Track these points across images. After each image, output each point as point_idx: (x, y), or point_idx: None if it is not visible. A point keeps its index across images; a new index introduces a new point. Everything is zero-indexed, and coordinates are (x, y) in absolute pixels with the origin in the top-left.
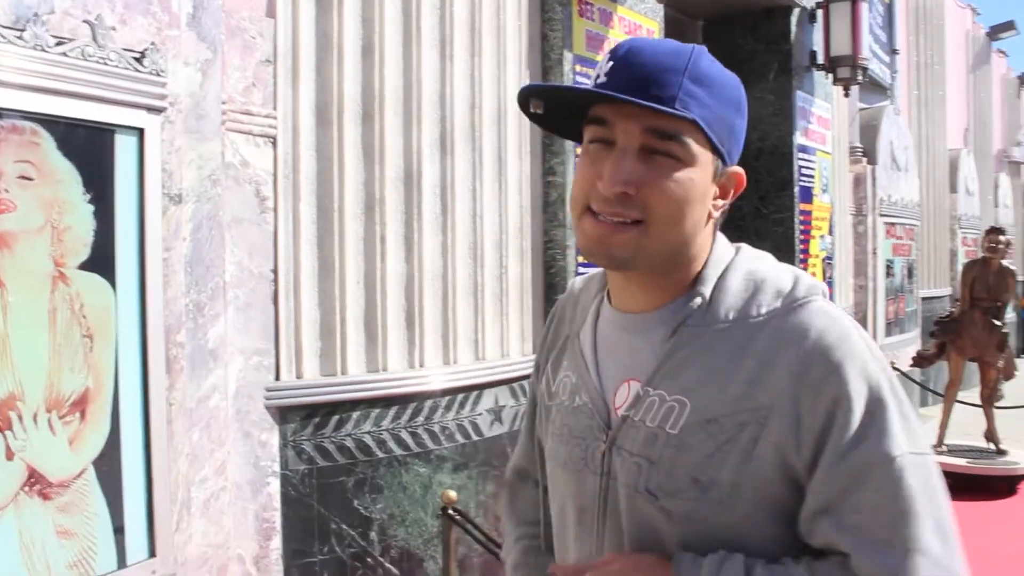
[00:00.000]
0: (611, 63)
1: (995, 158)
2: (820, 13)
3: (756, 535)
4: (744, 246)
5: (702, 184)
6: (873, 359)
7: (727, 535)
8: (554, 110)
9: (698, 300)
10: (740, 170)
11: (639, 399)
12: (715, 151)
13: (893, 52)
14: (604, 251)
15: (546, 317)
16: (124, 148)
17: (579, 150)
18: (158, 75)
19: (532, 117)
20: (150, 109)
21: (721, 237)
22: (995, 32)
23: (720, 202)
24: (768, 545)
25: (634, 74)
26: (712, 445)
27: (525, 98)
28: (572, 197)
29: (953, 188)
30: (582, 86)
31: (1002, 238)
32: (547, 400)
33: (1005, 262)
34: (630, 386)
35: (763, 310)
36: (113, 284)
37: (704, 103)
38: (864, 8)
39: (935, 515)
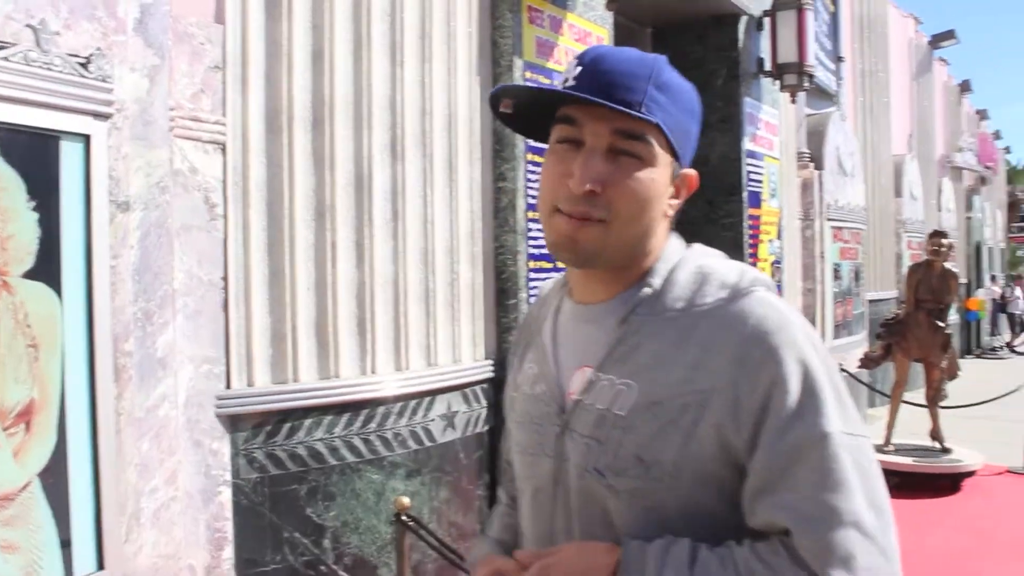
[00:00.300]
0: (579, 68)
1: (938, 163)
2: (767, 21)
3: (700, 513)
4: (697, 245)
5: (661, 184)
6: (811, 346)
7: (671, 513)
8: (523, 111)
9: (647, 290)
10: (693, 172)
11: (591, 384)
12: (673, 153)
13: (838, 60)
14: (571, 247)
15: (498, 322)
16: (70, 155)
17: (531, 155)
18: (104, 81)
19: (500, 116)
20: (96, 115)
21: (674, 235)
22: (936, 41)
23: (674, 202)
24: (713, 523)
25: (603, 79)
26: (656, 426)
27: (496, 97)
28: (540, 196)
29: (898, 193)
30: (556, 88)
31: (945, 241)
32: (512, 391)
33: (948, 265)
34: (584, 372)
35: (708, 300)
36: (59, 293)
37: (666, 108)
38: (810, 16)
39: (868, 492)
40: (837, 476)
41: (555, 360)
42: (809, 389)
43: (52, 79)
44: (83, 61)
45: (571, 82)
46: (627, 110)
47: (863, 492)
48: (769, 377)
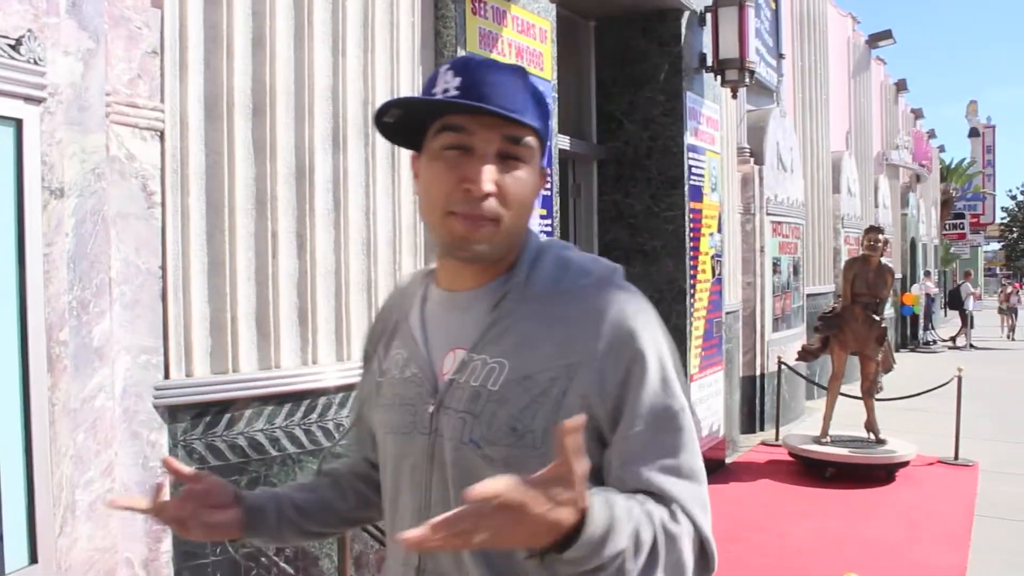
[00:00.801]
0: (458, 78)
1: (875, 160)
2: (709, 17)
3: None
4: (554, 238)
5: (536, 181)
6: (662, 330)
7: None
8: (404, 121)
9: (516, 279)
10: (545, 168)
11: (464, 364)
12: (542, 153)
13: (779, 56)
14: (468, 246)
15: None
16: (0, 139)
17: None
18: (36, 64)
19: (380, 127)
20: (28, 99)
21: (532, 230)
22: (874, 40)
23: (536, 198)
24: None
25: (488, 90)
26: (528, 398)
27: (386, 109)
28: (428, 200)
29: (836, 189)
30: (439, 98)
31: (881, 237)
32: (378, 377)
33: (884, 260)
34: (456, 354)
35: (571, 285)
36: None
37: (536, 114)
38: (750, 13)
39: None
40: (691, 443)
41: (425, 344)
42: (663, 369)
43: None
44: (13, 43)
45: (453, 92)
46: (520, 118)
47: (700, 454)
48: (630, 355)
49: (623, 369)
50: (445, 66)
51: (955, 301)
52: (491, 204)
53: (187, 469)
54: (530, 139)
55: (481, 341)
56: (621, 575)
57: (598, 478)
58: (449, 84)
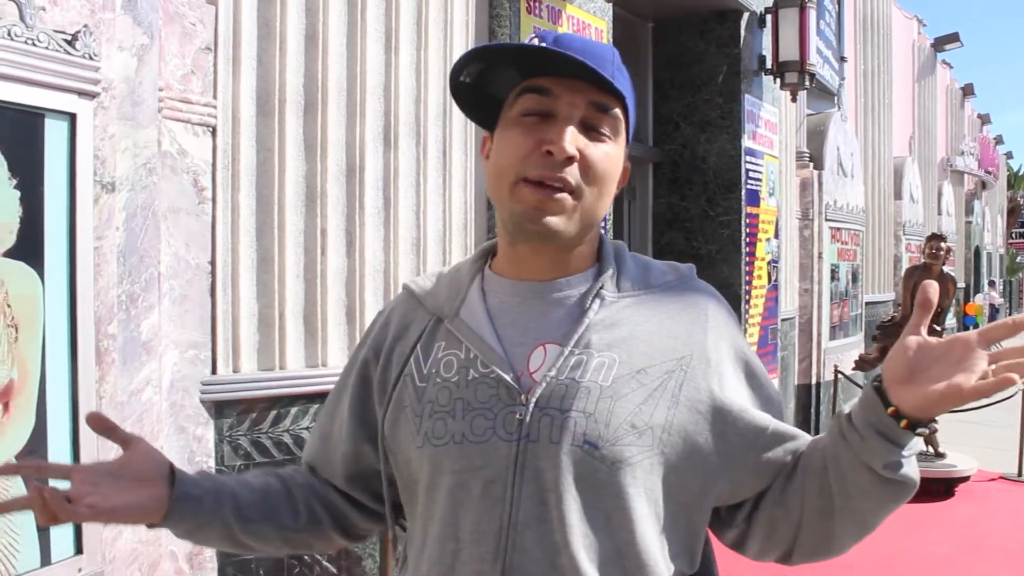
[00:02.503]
0: (543, 44)
1: (939, 166)
2: (769, 18)
3: (683, 481)
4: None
5: (620, 162)
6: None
7: (657, 477)
8: (481, 84)
9: (610, 271)
10: (628, 163)
11: (562, 359)
12: (626, 135)
13: (841, 59)
14: (540, 218)
15: None
16: (54, 133)
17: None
18: (91, 59)
19: (455, 87)
20: (82, 94)
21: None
22: (940, 44)
23: (617, 189)
24: (689, 486)
25: (576, 50)
26: (644, 392)
27: (464, 65)
28: (501, 167)
29: (898, 195)
30: (525, 43)
31: (943, 245)
32: (417, 382)
33: (946, 269)
34: (547, 349)
35: (660, 282)
36: (41, 273)
37: (629, 91)
38: (811, 15)
39: None
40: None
41: (495, 338)
42: (752, 353)
43: (37, 55)
44: (69, 38)
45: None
46: (608, 78)
47: None
48: (736, 349)
49: (733, 361)
50: (532, 34)
51: None
52: (573, 171)
53: (127, 434)
54: (618, 111)
55: (582, 335)
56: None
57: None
58: (536, 43)
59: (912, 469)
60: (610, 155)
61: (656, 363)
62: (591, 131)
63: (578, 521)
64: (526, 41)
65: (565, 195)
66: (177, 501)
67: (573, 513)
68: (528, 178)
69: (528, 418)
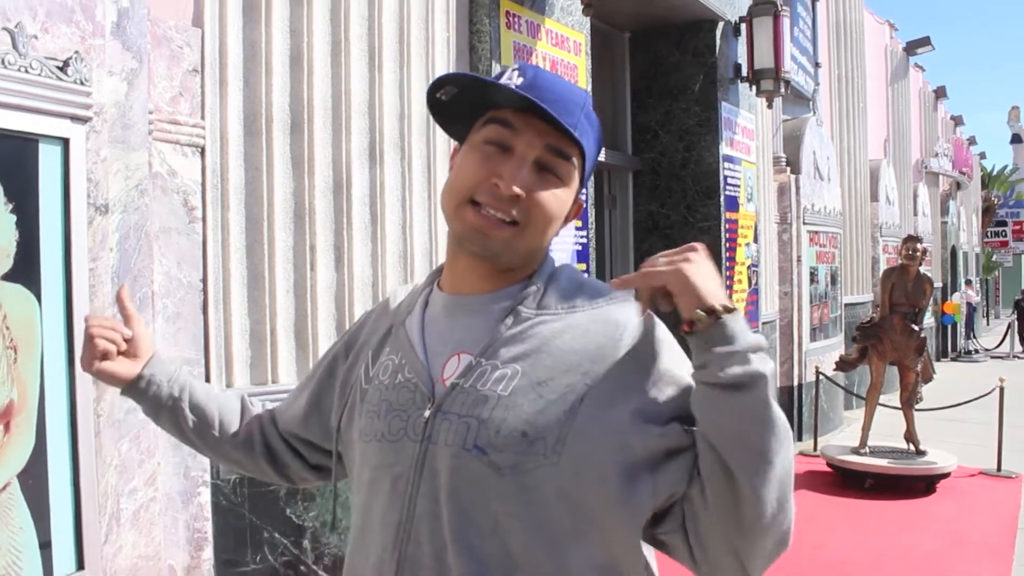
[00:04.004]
0: (521, 78)
1: (914, 168)
2: (744, 27)
3: (576, 494)
4: (566, 263)
5: (567, 204)
6: (670, 338)
7: (549, 492)
8: (456, 103)
9: (533, 288)
10: (581, 200)
11: (470, 368)
12: (581, 180)
13: (816, 65)
14: (481, 241)
15: None
16: (48, 158)
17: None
18: (82, 84)
19: (431, 103)
20: (74, 119)
21: (549, 252)
22: (912, 47)
23: (565, 224)
24: (585, 506)
25: (546, 96)
26: (542, 403)
27: (440, 84)
28: (452, 187)
29: (874, 197)
30: (495, 81)
31: (919, 246)
32: (363, 384)
33: (923, 269)
34: (460, 358)
35: (587, 303)
36: (38, 295)
37: (589, 138)
38: (785, 23)
39: None
40: None
41: (424, 349)
42: (681, 380)
43: (30, 82)
44: (61, 64)
45: (514, 86)
46: (570, 129)
47: None
48: (648, 355)
49: (644, 377)
50: (514, 65)
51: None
52: (519, 207)
53: (133, 312)
54: (575, 158)
55: (492, 346)
56: (768, 409)
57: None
58: (512, 80)
59: (750, 365)
60: (558, 197)
61: (558, 376)
62: (545, 171)
63: (465, 522)
64: (509, 69)
65: (507, 227)
66: (139, 379)
67: (461, 514)
68: (475, 200)
69: (431, 421)
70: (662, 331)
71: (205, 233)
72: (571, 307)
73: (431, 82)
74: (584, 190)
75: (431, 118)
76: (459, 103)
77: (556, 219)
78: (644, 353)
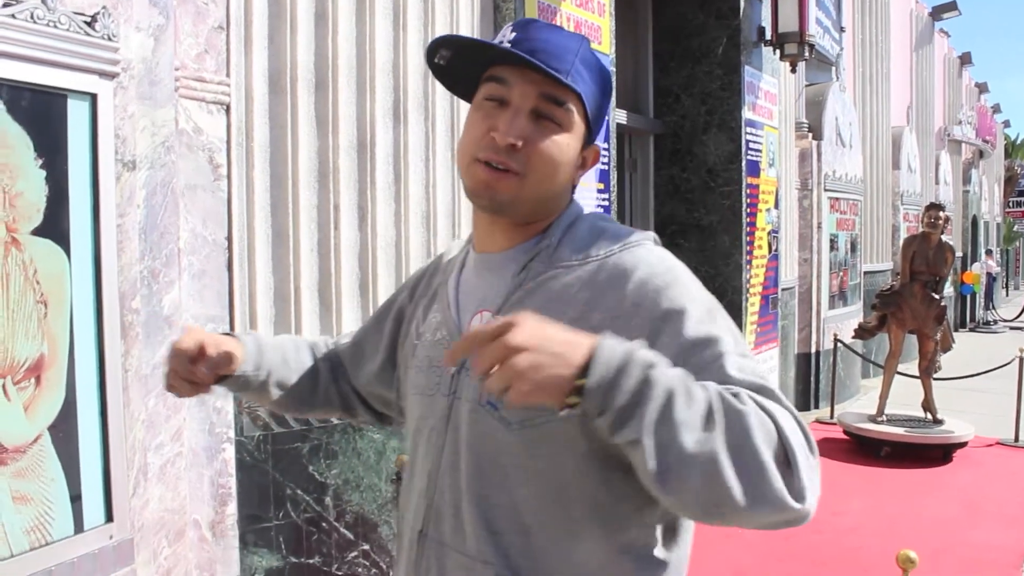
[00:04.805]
0: (514, 33)
1: (936, 136)
2: None
3: (584, 442)
4: (595, 211)
5: (573, 150)
6: (698, 287)
7: (559, 440)
8: (456, 67)
9: (547, 242)
10: (597, 147)
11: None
12: (587, 125)
13: (840, 30)
14: (489, 195)
15: None
16: (76, 113)
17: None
18: (110, 40)
19: (433, 68)
20: (102, 74)
21: (576, 200)
22: (938, 12)
23: (579, 172)
24: (595, 453)
25: (537, 46)
26: None
27: (434, 50)
28: (462, 147)
29: (896, 165)
30: (493, 43)
31: (941, 214)
32: (415, 339)
33: (944, 237)
34: (482, 316)
35: (601, 252)
36: (67, 250)
37: (587, 82)
38: None
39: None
40: (745, 360)
41: (456, 307)
42: (705, 322)
43: (58, 37)
44: (89, 20)
45: (506, 45)
46: (556, 75)
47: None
48: (657, 313)
49: (648, 327)
50: (510, 23)
51: None
52: (517, 156)
53: (211, 341)
54: (572, 104)
55: (507, 302)
56: (671, 425)
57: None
58: (505, 37)
59: (641, 421)
60: (557, 143)
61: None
62: (542, 119)
63: (478, 474)
64: (506, 26)
65: (509, 176)
66: (223, 380)
67: (476, 466)
68: (478, 158)
69: (456, 377)
70: (669, 277)
71: (230, 191)
72: (584, 258)
73: (428, 46)
74: (597, 138)
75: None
76: (463, 65)
77: (560, 165)
78: (644, 302)
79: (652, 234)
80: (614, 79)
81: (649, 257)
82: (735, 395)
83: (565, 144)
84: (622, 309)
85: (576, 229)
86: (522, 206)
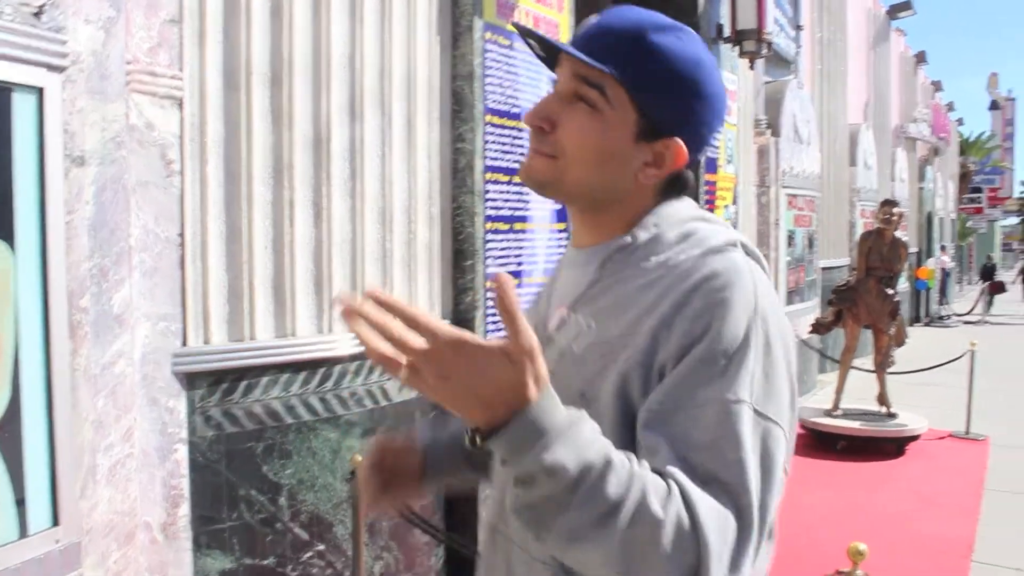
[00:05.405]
0: (530, 29)
1: (893, 133)
2: None
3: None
4: (707, 215)
5: (615, 137)
6: (757, 313)
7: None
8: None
9: (626, 240)
10: (677, 140)
11: (563, 321)
12: (641, 113)
13: (798, 27)
14: (525, 176)
15: (454, 282)
16: (22, 107)
17: (490, 117)
18: (58, 32)
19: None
20: (50, 67)
21: (683, 201)
22: (894, 11)
23: (652, 170)
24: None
25: (586, 31)
26: (601, 364)
27: (523, 34)
28: None
29: (852, 161)
30: (529, 28)
31: (896, 210)
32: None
33: (898, 233)
34: (561, 311)
35: (682, 256)
36: (12, 247)
37: (639, 66)
38: None
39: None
40: (740, 448)
41: (548, 302)
42: (733, 352)
43: (3, 28)
44: (35, 11)
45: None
46: (577, 55)
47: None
48: (701, 329)
49: (687, 343)
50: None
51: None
52: (547, 140)
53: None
54: (609, 88)
55: (580, 300)
56: (555, 507)
57: None
58: (578, 30)
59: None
60: (584, 124)
61: (621, 336)
62: (580, 100)
63: None
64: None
65: (541, 157)
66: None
67: None
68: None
69: None
70: (719, 297)
71: (183, 187)
72: (664, 261)
73: (520, 30)
74: (683, 136)
75: (414, 74)
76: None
77: (597, 151)
78: (683, 311)
79: (737, 238)
80: None
81: (717, 267)
82: (666, 492)
83: (600, 128)
84: (668, 317)
85: (666, 231)
86: (566, 189)
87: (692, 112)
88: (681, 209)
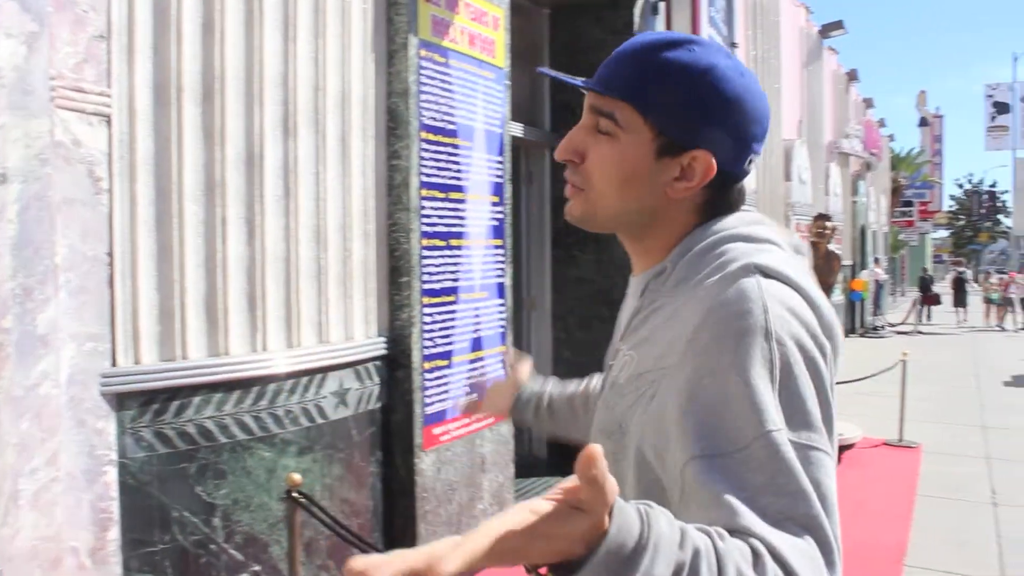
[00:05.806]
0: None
1: (826, 149)
2: (662, 6)
3: (647, 491)
4: (753, 232)
5: (636, 161)
6: (771, 338)
7: (629, 485)
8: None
9: (658, 268)
10: (703, 151)
11: (616, 352)
12: (657, 131)
13: (732, 46)
14: (568, 213)
15: (391, 299)
16: None
17: (424, 134)
18: None
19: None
20: None
21: (727, 219)
22: (826, 30)
23: (682, 184)
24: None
25: (603, 64)
26: (635, 396)
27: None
28: None
29: (787, 177)
30: (557, 74)
31: (829, 224)
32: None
33: (832, 247)
34: (615, 342)
35: (706, 283)
36: None
37: (645, 85)
38: (703, 2)
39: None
40: (789, 476)
41: (616, 331)
42: (752, 384)
43: None
44: None
45: None
46: (575, 82)
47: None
48: (712, 364)
49: (689, 382)
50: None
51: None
52: (576, 173)
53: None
54: (619, 113)
55: (627, 330)
56: None
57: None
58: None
59: None
60: (604, 155)
61: (651, 368)
62: (600, 132)
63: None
64: None
65: (577, 191)
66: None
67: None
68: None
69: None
70: (735, 326)
71: (112, 205)
72: (685, 289)
73: (541, 73)
74: (710, 144)
75: (348, 91)
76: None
77: (619, 177)
78: (695, 345)
79: (755, 261)
80: (509, 93)
81: (725, 296)
82: (753, 555)
83: (617, 154)
84: (682, 353)
85: (694, 254)
86: (600, 222)
87: (712, 120)
88: (724, 226)
